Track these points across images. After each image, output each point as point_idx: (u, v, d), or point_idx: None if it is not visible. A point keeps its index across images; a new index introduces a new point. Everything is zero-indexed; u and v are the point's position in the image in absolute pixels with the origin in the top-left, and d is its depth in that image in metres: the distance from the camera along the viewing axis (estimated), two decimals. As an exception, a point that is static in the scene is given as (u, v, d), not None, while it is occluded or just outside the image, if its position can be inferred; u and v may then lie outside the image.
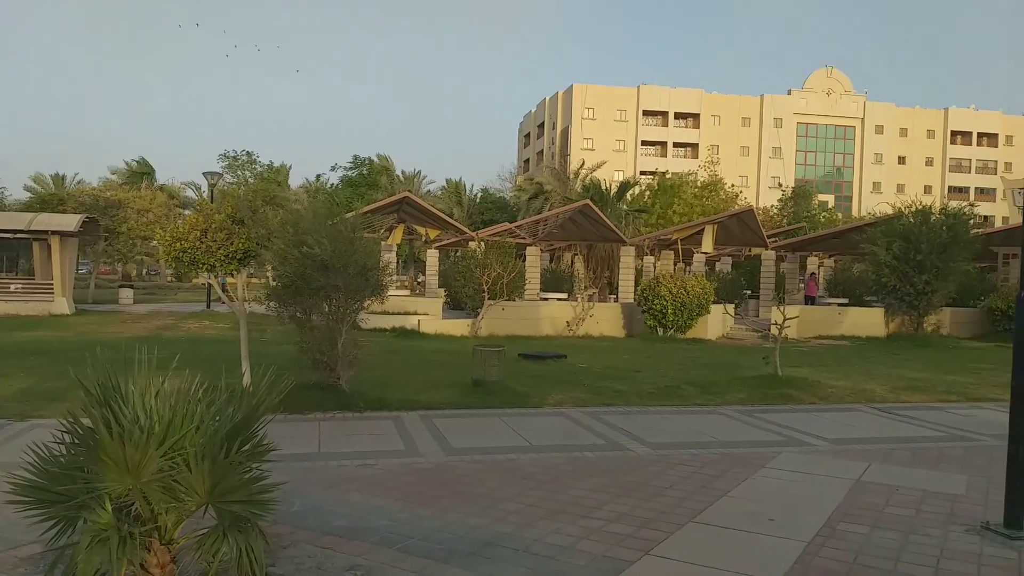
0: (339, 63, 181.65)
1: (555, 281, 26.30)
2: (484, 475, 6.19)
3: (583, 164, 51.95)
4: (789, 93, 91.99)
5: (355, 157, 64.46)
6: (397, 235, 25.25)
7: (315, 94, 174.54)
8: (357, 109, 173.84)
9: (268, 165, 59.71)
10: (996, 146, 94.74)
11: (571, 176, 50.62)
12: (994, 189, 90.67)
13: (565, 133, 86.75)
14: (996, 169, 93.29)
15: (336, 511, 5.21)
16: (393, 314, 18.99)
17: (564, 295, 23.46)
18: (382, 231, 24.63)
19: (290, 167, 60.68)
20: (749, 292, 29.64)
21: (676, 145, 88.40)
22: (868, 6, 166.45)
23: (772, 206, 57.15)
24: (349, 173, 63.86)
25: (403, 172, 59.65)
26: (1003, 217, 79.46)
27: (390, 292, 21.86)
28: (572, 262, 31.02)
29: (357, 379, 9.37)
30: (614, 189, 39.79)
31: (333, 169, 67.71)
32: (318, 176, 62.66)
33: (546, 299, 22.39)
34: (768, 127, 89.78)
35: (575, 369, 12.88)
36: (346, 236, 8.85)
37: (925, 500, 5.79)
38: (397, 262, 36.65)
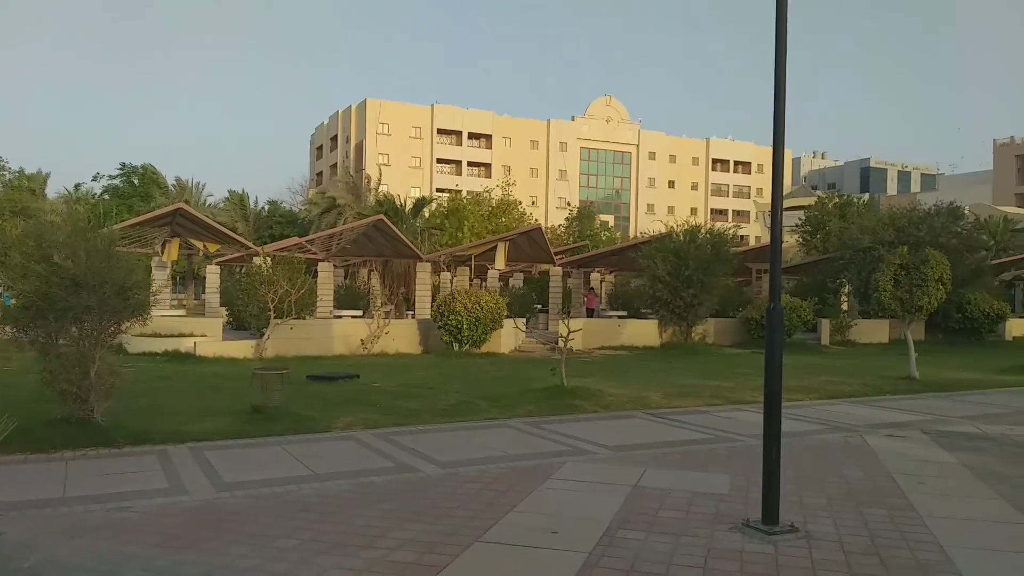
0: (113, 67, 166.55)
1: (350, 298, 25.59)
2: (259, 511, 5.71)
3: (378, 179, 51.37)
4: (573, 119, 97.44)
5: (123, 164, 59.18)
6: (172, 250, 23.29)
7: (87, 100, 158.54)
8: (133, 117, 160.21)
9: (19, 172, 52.99)
10: (750, 173, 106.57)
11: (366, 191, 49.85)
12: (748, 211, 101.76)
13: (360, 147, 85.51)
14: (750, 194, 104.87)
15: (80, 564, 4.53)
16: (166, 336, 17.41)
17: (359, 312, 22.87)
18: (156, 246, 22.65)
19: (48, 175, 54.20)
20: (540, 306, 30.73)
21: (470, 164, 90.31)
22: (641, 41, 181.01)
23: (559, 225, 59.97)
24: (116, 182, 58.41)
25: (177, 180, 55.39)
26: (755, 237, 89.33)
27: (163, 312, 20.08)
28: (368, 278, 30.43)
29: (116, 411, 8.38)
30: (410, 205, 39.70)
31: (95, 179, 61.19)
32: (77, 185, 56.50)
33: (340, 316, 21.69)
34: (555, 150, 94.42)
35: (368, 389, 12.50)
36: (103, 250, 7.90)
37: (694, 501, 6.14)
38: (173, 279, 33.90)
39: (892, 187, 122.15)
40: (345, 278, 30.85)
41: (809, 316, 24.73)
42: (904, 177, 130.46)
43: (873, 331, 26.43)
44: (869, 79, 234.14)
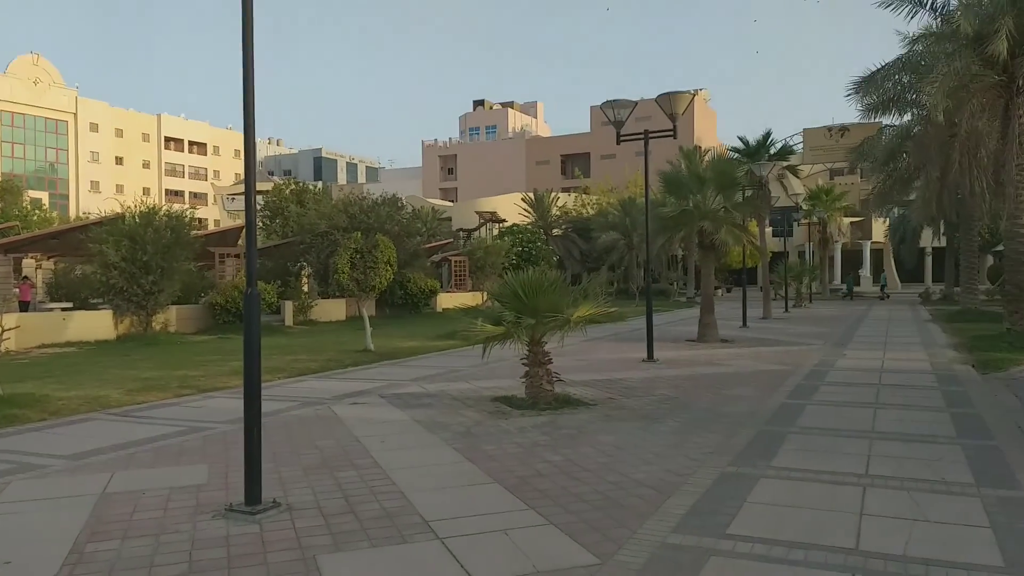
0: None
1: None
2: None
3: None
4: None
5: None
6: None
7: None
8: None
9: None
10: (206, 154, 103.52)
11: None
12: (206, 194, 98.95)
13: None
14: (207, 176, 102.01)
15: None
16: None
17: None
18: None
19: None
20: (-50, 302, 25.05)
21: None
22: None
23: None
24: None
25: None
26: (215, 220, 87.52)
27: None
28: None
29: None
30: None
31: None
32: None
33: None
34: (-38, 110, 77.49)
35: None
36: None
37: (172, 497, 5.87)
38: None
39: (342, 177, 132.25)
40: None
41: (274, 299, 25.40)
42: (352, 168, 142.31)
43: (332, 310, 28.46)
44: (323, 72, 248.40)
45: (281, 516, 5.37)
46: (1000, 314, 19.01)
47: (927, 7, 18.91)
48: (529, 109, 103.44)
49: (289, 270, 28.87)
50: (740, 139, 36.15)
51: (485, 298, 31.88)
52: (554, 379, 9.94)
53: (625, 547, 4.71)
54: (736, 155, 35.03)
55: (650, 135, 15.02)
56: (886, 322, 25.47)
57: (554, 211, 53.77)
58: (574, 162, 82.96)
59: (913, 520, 5.16)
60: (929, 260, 55.19)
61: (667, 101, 14.65)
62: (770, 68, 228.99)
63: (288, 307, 26.16)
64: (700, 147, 43.14)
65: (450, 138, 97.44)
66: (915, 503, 5.54)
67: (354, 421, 8.86)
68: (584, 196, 58.89)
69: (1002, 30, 16.05)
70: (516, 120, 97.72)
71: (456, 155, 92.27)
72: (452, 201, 75.84)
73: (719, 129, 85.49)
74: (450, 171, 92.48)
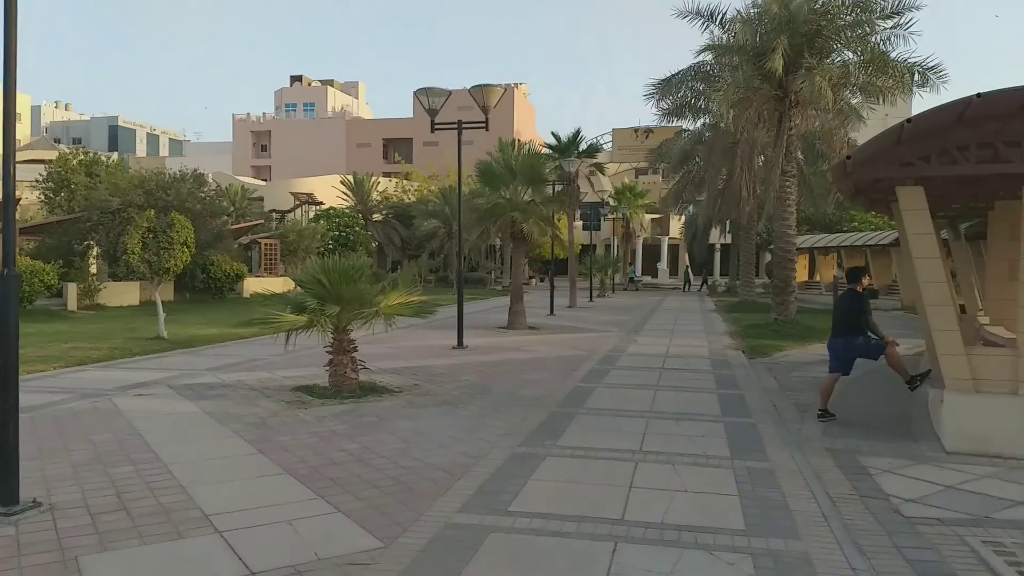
0: None
1: None
2: None
3: None
4: None
5: None
6: None
7: None
8: None
9: None
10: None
11: None
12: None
13: None
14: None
15: None
16: None
17: None
18: None
19: None
20: None
21: None
22: None
23: None
24: None
25: None
26: (-13, 191, 77.57)
27: None
28: None
29: None
30: None
31: None
32: None
33: None
34: None
35: None
36: None
37: (-91, 502, 5.24)
38: None
39: (141, 148, 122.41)
40: None
41: (54, 280, 23.05)
42: (153, 140, 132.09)
43: (124, 293, 26.32)
44: (126, 33, 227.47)
45: (42, 516, 4.97)
46: (771, 305, 21.22)
47: (717, 22, 20.62)
48: (350, 89, 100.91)
49: (74, 249, 26.28)
50: (553, 134, 37.51)
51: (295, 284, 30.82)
52: (359, 367, 9.88)
53: (410, 530, 4.83)
54: (549, 151, 36.33)
55: (463, 125, 15.23)
56: (676, 312, 27.61)
57: (375, 196, 52.97)
58: (396, 147, 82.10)
59: (674, 491, 5.70)
60: (718, 256, 60.36)
61: (480, 93, 14.92)
62: (595, 65, 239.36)
63: (71, 290, 23.89)
64: (519, 140, 44.30)
65: (264, 113, 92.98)
66: (678, 475, 6.13)
67: (136, 413, 8.31)
68: (406, 182, 58.51)
69: (778, 48, 17.84)
70: (336, 99, 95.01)
71: (271, 131, 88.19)
72: (265, 180, 72.51)
73: (540, 124, 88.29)
74: (263, 148, 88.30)
